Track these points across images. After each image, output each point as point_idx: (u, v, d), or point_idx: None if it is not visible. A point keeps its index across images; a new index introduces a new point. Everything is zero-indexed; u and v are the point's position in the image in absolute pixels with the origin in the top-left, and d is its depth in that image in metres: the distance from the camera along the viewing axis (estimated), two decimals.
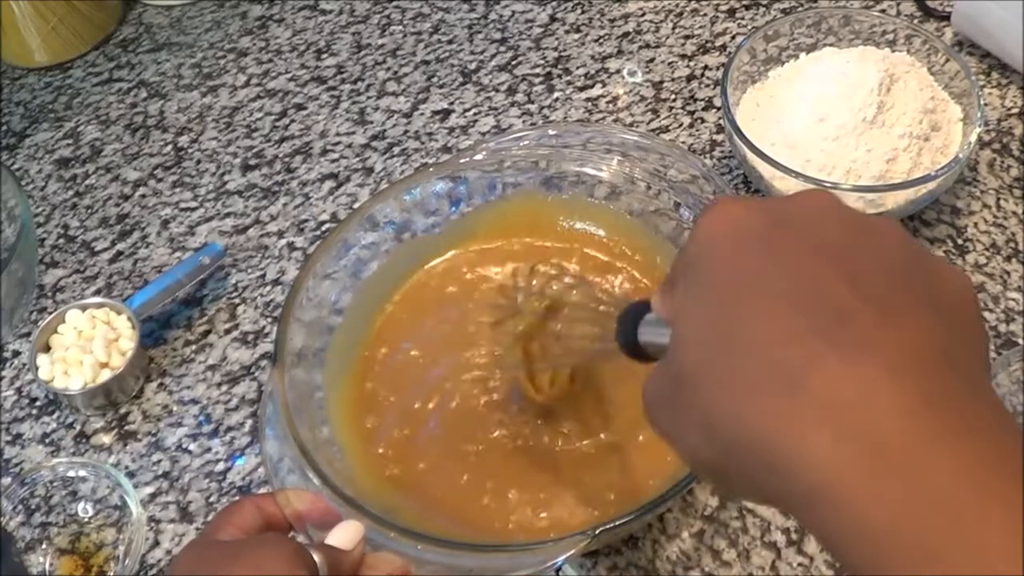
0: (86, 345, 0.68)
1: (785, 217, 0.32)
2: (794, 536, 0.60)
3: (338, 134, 0.85)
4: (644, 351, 0.42)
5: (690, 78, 0.85)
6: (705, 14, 0.90)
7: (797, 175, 0.68)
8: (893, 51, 0.75)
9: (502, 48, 0.90)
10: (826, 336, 0.27)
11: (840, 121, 0.69)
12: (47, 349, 0.69)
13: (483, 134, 0.83)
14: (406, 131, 0.84)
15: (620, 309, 0.44)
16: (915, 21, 0.87)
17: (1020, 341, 0.67)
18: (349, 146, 0.84)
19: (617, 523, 0.51)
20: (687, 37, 0.89)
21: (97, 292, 0.76)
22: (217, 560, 0.44)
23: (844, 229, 0.31)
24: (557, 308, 0.56)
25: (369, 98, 0.87)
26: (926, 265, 0.31)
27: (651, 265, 0.67)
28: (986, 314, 0.69)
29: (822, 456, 0.26)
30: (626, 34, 0.90)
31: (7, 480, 0.65)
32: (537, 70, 0.88)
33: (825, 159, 0.69)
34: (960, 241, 0.73)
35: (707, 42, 0.88)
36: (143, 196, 0.82)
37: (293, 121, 0.86)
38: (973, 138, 0.69)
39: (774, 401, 0.27)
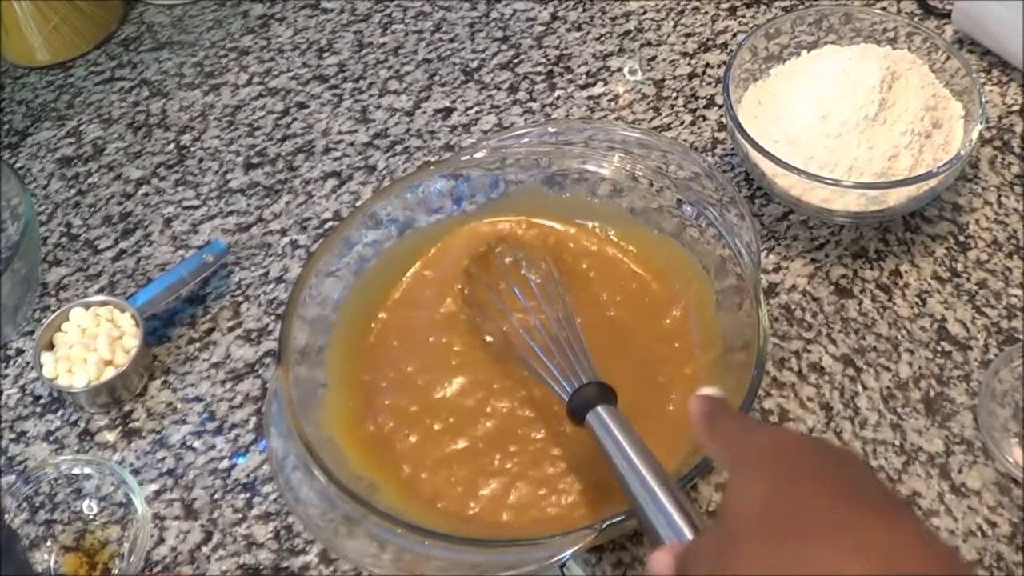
0: (90, 343, 0.68)
1: (784, 472, 0.40)
2: None
3: (340, 132, 0.85)
4: (579, 421, 0.52)
5: (691, 76, 0.86)
6: (706, 12, 0.91)
7: (799, 172, 0.68)
8: (894, 48, 0.76)
9: (504, 46, 0.90)
10: (843, 551, 0.36)
11: (842, 118, 0.70)
12: (51, 347, 0.69)
13: (485, 132, 0.83)
14: (408, 129, 0.84)
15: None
16: (916, 19, 0.87)
17: (1021, 337, 0.68)
18: (351, 144, 0.84)
19: (623, 517, 0.51)
20: (688, 35, 0.89)
21: (100, 290, 0.76)
22: None
23: (816, 455, 0.41)
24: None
25: (371, 96, 0.87)
26: (861, 468, 0.41)
27: (650, 261, 0.67)
28: (987, 311, 0.69)
29: None
30: (627, 32, 0.90)
31: (12, 478, 0.65)
32: (539, 68, 0.88)
33: (827, 156, 0.70)
34: (961, 238, 0.73)
35: (708, 40, 0.88)
36: (146, 194, 0.82)
37: (295, 119, 0.86)
38: (974, 135, 0.69)
39: None
